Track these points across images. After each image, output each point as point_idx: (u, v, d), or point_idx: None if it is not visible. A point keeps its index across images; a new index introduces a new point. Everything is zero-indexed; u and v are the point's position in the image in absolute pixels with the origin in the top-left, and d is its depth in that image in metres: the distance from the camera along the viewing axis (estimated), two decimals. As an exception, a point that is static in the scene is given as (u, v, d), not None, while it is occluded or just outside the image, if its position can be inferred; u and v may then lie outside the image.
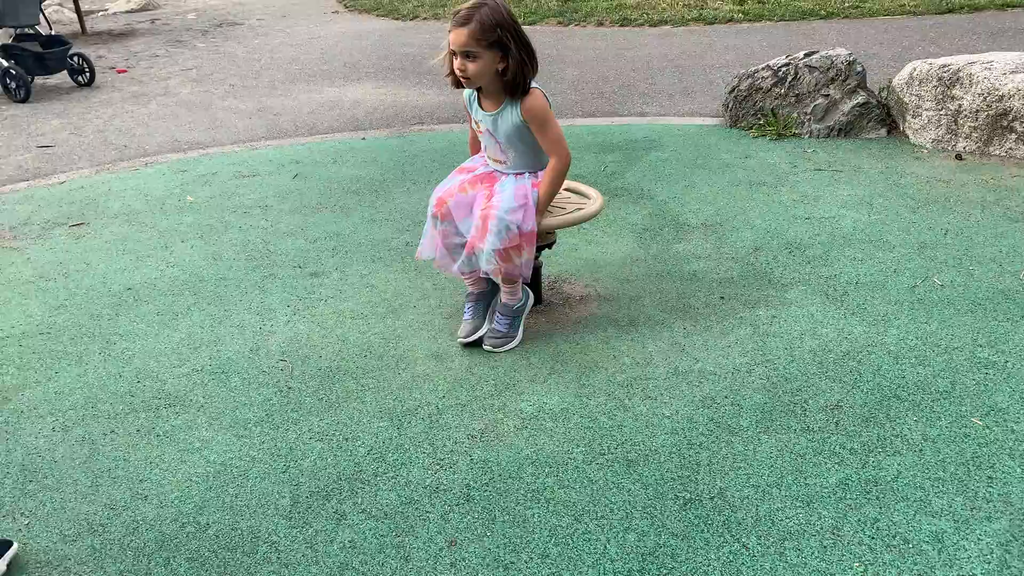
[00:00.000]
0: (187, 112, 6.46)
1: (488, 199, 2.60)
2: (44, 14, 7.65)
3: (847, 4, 7.97)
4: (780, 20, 7.93)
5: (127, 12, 13.49)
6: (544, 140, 2.57)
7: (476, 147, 2.84)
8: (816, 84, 4.60)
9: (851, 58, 4.56)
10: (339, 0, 12.68)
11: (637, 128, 5.11)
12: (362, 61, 7.96)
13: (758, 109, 4.80)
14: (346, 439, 2.27)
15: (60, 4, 12.45)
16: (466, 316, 2.76)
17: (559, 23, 9.09)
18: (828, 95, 4.57)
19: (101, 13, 13.72)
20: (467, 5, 2.39)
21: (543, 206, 2.59)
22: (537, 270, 2.89)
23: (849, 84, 4.53)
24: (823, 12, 7.86)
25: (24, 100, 7.14)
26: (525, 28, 2.48)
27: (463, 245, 2.63)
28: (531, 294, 2.80)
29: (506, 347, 2.68)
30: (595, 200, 2.78)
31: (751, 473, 2.02)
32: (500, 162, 2.70)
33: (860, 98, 4.52)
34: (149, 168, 5.03)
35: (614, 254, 3.34)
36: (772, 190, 3.92)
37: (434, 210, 2.67)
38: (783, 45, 6.97)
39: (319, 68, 7.79)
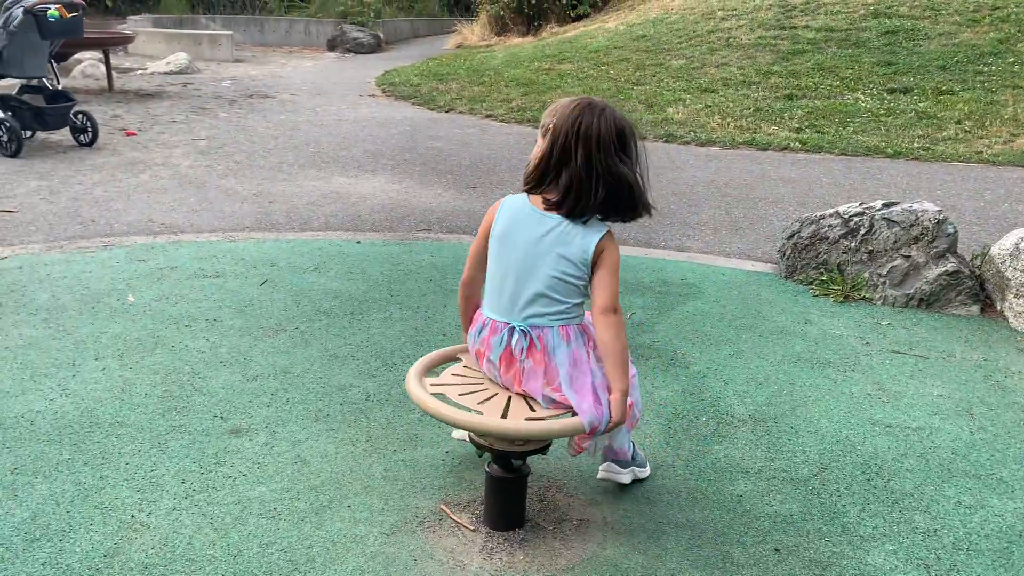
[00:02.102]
0: (177, 187, 5.83)
1: None
2: (54, 67, 7.18)
3: (916, 144, 7.27)
4: (841, 154, 7.24)
5: (164, 73, 13.24)
6: None
7: None
8: (895, 242, 3.82)
9: (941, 216, 3.79)
10: (378, 84, 12.32)
11: (675, 267, 4.34)
12: (383, 150, 7.36)
13: (821, 262, 4.03)
14: None
15: (99, 60, 12.20)
16: None
17: (600, 131, 8.49)
18: (909, 257, 3.79)
19: (140, 71, 13.50)
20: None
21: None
22: (522, 479, 2.07)
23: (936, 247, 3.75)
24: (890, 150, 7.16)
25: (15, 155, 6.59)
26: None
27: None
28: None
29: None
30: (514, 418, 1.94)
31: None
32: None
33: (949, 265, 3.72)
34: (106, 251, 4.33)
35: (631, 452, 2.51)
36: (840, 374, 3.10)
37: None
38: (845, 183, 6.25)
39: (335, 154, 7.19)
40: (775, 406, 2.83)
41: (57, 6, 6.66)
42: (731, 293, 3.95)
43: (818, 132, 7.89)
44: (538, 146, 1.97)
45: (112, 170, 6.31)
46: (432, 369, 2.15)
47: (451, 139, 8.05)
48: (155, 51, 15.17)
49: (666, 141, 8.00)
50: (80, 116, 7.11)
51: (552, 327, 1.95)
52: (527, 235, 1.94)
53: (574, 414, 1.89)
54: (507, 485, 2.06)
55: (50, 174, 6.10)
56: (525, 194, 1.99)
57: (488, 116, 9.42)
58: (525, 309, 1.96)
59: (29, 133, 7.10)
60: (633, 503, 2.24)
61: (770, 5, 12.33)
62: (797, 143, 7.54)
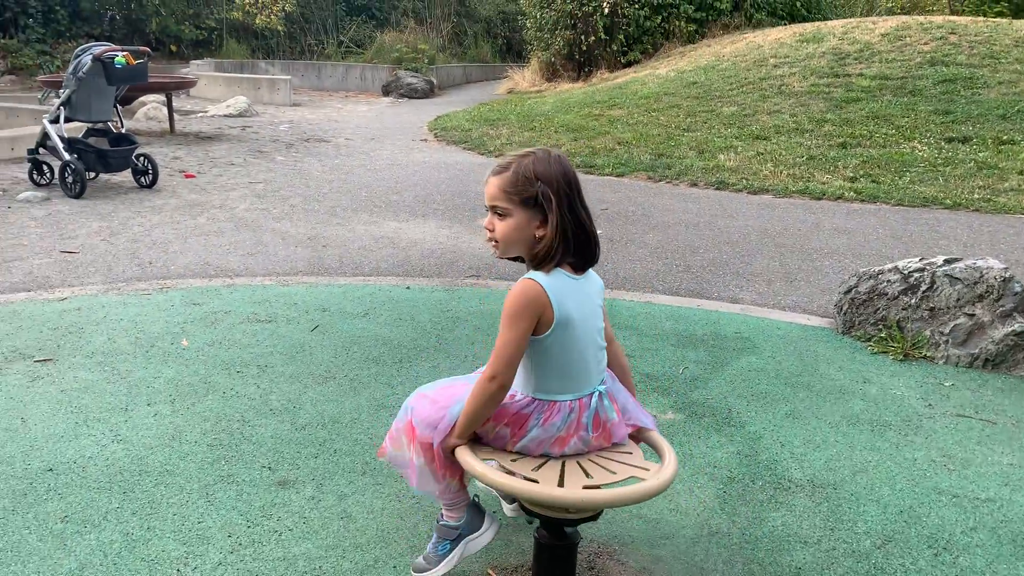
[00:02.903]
0: (233, 231, 5.93)
1: None
2: (119, 111, 7.42)
3: (976, 195, 7.10)
4: (897, 204, 7.10)
5: (224, 116, 13.62)
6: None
7: None
8: (958, 299, 3.71)
9: (1007, 274, 3.66)
10: (430, 129, 12.50)
11: (728, 319, 4.26)
12: (434, 195, 7.43)
13: (880, 319, 3.92)
14: None
15: (162, 103, 12.61)
16: None
17: (648, 177, 8.47)
18: (973, 315, 3.66)
19: (200, 114, 13.91)
20: (515, 152, 1.91)
21: (459, 428, 1.89)
22: (572, 546, 2.01)
23: (1003, 306, 3.62)
24: (948, 201, 7.00)
25: (78, 196, 6.79)
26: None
27: None
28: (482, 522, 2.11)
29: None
30: (666, 465, 1.91)
31: None
32: None
33: (1017, 325, 3.59)
34: (163, 294, 4.41)
35: (686, 518, 2.43)
36: (902, 439, 2.98)
37: None
38: (903, 235, 6.12)
39: (388, 198, 7.27)
40: (834, 471, 2.73)
41: (124, 53, 6.90)
42: (787, 348, 3.86)
43: (873, 182, 7.76)
44: (521, 216, 1.84)
45: (171, 212, 6.46)
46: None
47: (501, 184, 8.09)
48: (216, 94, 15.63)
49: (717, 188, 7.93)
50: (142, 158, 7.32)
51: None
52: (581, 307, 1.87)
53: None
54: (557, 552, 2.00)
55: (111, 215, 6.26)
56: (552, 269, 1.85)
57: (538, 161, 9.46)
58: (599, 368, 1.95)
59: (92, 174, 7.32)
60: (686, 573, 2.16)
61: (823, 53, 12.28)
62: (852, 192, 7.41)
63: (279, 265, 5.12)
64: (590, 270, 1.93)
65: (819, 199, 7.37)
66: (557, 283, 1.83)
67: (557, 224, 1.81)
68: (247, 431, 2.87)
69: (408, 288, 4.66)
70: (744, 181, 8.01)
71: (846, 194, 7.38)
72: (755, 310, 4.46)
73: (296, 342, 3.74)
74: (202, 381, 3.28)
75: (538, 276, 1.84)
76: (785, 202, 7.31)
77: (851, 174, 8.01)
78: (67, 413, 2.96)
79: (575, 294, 1.86)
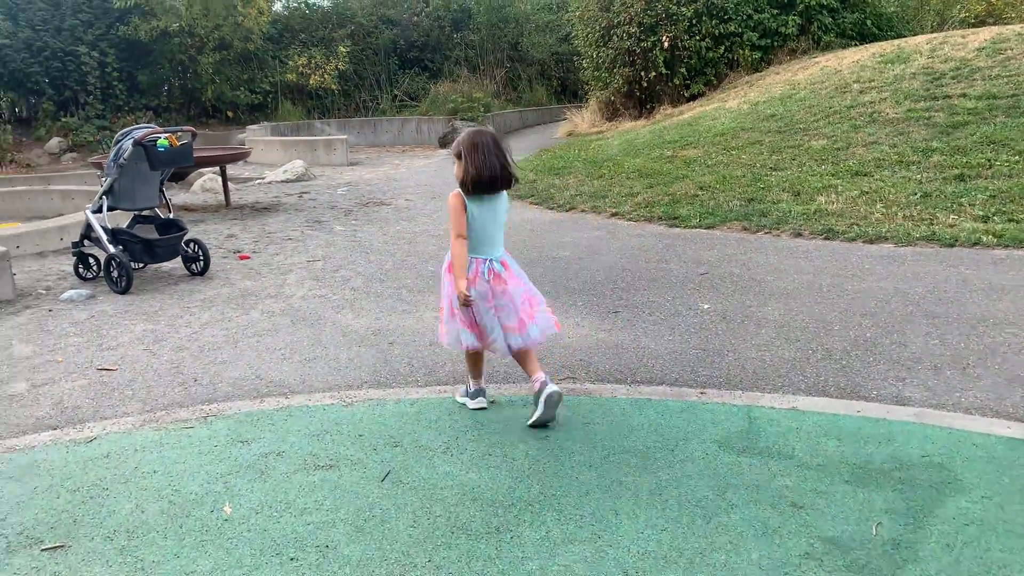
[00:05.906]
0: (289, 326, 5.25)
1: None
2: (165, 196, 6.88)
3: None
4: (1049, 247, 6.07)
5: (281, 182, 13.22)
6: None
7: None
8: None
9: None
10: (493, 182, 11.80)
11: (905, 433, 3.34)
12: (508, 266, 6.65)
13: (1122, 432, 2.97)
14: None
15: (218, 173, 12.23)
16: None
17: (744, 228, 7.58)
18: None
19: (258, 181, 13.54)
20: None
21: (456, 273, 3.48)
22: None
23: None
24: (1113, 241, 5.95)
25: (124, 291, 6.24)
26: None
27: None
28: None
29: None
30: None
31: None
32: None
33: None
34: (206, 426, 3.71)
35: None
36: None
37: None
38: (1073, 289, 5.10)
39: (456, 272, 6.53)
40: None
41: (167, 135, 6.36)
42: (1000, 480, 2.93)
43: (1011, 220, 6.72)
44: (457, 165, 3.45)
45: (222, 306, 5.83)
46: None
47: (578, 245, 7.31)
48: (273, 159, 15.31)
49: (826, 238, 7.00)
50: (192, 245, 6.77)
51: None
52: (482, 212, 3.47)
53: None
54: None
55: (157, 315, 5.65)
56: (468, 190, 3.45)
57: (614, 215, 8.68)
58: (493, 248, 3.56)
59: (140, 265, 6.79)
60: None
61: (913, 74, 11.28)
62: (990, 236, 6.40)
63: (340, 374, 4.39)
64: (502, 192, 3.51)
65: (951, 246, 6.38)
66: (471, 197, 3.44)
67: (464, 168, 3.39)
68: (304, 675, 2.08)
69: (494, 402, 3.88)
70: (855, 227, 7.06)
71: (984, 238, 6.37)
72: (933, 415, 3.53)
73: (364, 502, 2.96)
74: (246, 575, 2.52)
75: (460, 190, 3.45)
76: (912, 252, 6.33)
77: (981, 212, 6.99)
78: (70, 646, 2.22)
79: (479, 204, 3.44)
